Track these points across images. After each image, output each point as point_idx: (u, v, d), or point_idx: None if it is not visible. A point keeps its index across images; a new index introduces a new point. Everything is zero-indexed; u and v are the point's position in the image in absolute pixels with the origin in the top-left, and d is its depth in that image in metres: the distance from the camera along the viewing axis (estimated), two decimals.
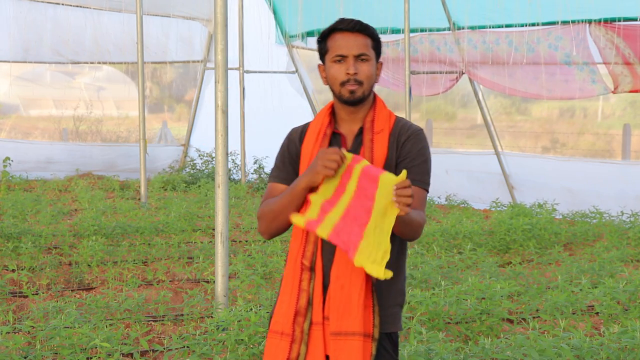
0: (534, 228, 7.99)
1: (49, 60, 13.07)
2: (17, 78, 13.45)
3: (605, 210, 9.15)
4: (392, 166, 2.43)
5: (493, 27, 10.53)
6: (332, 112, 2.53)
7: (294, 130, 2.57)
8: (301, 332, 2.38)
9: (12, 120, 13.90)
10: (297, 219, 2.30)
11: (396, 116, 2.52)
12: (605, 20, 9.30)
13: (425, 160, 2.45)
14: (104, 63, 13.26)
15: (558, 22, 9.72)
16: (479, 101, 11.52)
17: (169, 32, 13.35)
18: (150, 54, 12.65)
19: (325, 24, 12.42)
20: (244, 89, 12.35)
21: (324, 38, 2.47)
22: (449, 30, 11.02)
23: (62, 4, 12.34)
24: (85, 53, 12.86)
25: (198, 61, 13.76)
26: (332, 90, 2.48)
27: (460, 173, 11.65)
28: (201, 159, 13.42)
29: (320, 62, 2.52)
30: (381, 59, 2.51)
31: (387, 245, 2.18)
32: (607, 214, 9.03)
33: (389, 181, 2.18)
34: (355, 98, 2.42)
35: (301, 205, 2.37)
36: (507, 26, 10.35)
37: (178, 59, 13.78)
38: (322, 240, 2.40)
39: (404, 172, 2.16)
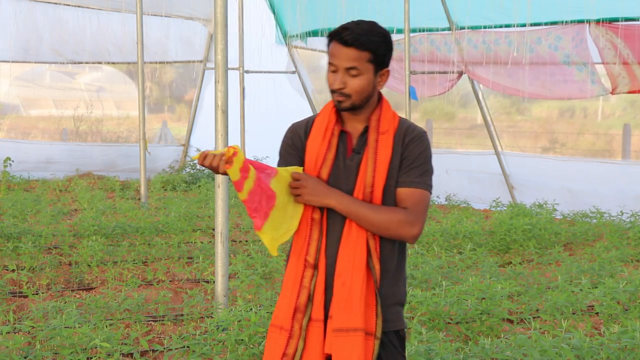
0: (534, 228, 7.98)
1: (48, 60, 13.06)
2: (17, 78, 13.45)
3: (606, 210, 9.14)
4: (396, 167, 2.45)
5: (493, 27, 10.53)
6: (337, 110, 2.54)
7: (297, 125, 2.57)
8: (299, 328, 2.40)
9: (12, 120, 13.89)
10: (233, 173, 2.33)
11: (400, 117, 2.53)
12: (605, 20, 9.29)
13: (425, 162, 2.48)
14: (104, 63, 13.27)
15: (558, 22, 9.73)
16: (479, 101, 11.52)
17: (169, 32, 13.35)
18: (150, 54, 12.65)
19: (325, 24, 12.40)
20: (244, 89, 12.34)
21: (329, 40, 2.47)
22: (449, 30, 11.02)
23: (62, 4, 12.33)
24: (85, 53, 12.86)
25: (198, 61, 13.76)
26: None
27: (460, 173, 11.65)
28: None
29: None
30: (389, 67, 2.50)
31: (290, 228, 2.43)
32: (607, 214, 9.02)
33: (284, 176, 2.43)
34: (342, 108, 2.45)
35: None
36: (507, 26, 10.35)
37: (178, 59, 13.78)
38: (327, 239, 2.45)
39: (296, 168, 2.44)
